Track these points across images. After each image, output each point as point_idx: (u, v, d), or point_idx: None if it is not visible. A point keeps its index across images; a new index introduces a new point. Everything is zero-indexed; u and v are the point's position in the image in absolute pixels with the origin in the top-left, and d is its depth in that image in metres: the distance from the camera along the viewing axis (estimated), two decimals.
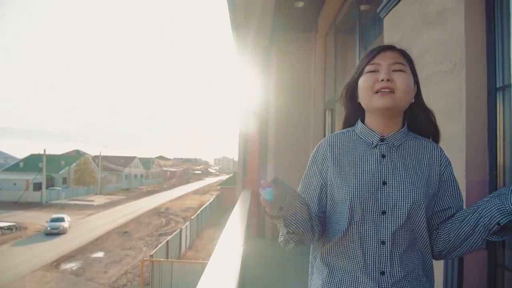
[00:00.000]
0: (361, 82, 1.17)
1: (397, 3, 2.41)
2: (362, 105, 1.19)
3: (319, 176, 1.21)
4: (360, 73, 1.19)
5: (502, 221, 1.01)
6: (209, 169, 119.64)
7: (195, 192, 53.50)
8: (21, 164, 48.01)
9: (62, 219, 26.09)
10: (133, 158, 65.89)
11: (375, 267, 1.09)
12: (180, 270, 12.94)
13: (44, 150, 42.17)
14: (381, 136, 1.17)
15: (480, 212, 1.06)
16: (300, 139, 6.52)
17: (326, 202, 1.21)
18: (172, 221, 30.22)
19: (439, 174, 1.18)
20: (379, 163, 1.15)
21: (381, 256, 1.09)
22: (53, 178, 45.15)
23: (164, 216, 32.52)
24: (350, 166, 1.17)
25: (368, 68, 1.17)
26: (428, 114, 1.24)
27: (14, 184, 41.03)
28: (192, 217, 23.67)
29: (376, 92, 1.12)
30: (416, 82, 1.21)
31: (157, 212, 34.52)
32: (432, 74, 1.95)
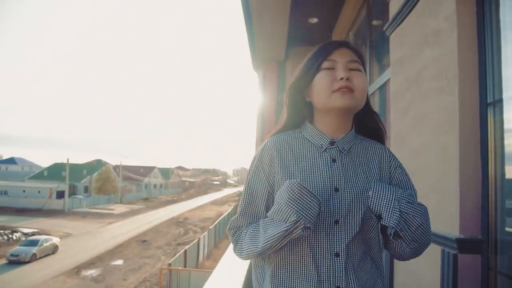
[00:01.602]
0: (317, 79, 1.08)
1: (400, 23, 2.55)
2: (316, 105, 1.11)
3: (265, 182, 1.10)
4: (314, 70, 1.09)
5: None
6: (227, 180, 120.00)
7: (213, 203, 53.75)
8: (45, 173, 49.54)
9: (35, 243, 21.38)
10: (152, 168, 66.89)
11: (330, 283, 1.01)
12: (197, 279, 13.07)
13: (67, 159, 43.38)
14: (331, 139, 1.10)
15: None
16: None
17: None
18: (191, 231, 30.47)
19: (390, 177, 1.12)
20: (330, 168, 1.07)
21: (335, 270, 1.01)
22: (76, 187, 46.30)
23: (182, 226, 32.83)
24: (299, 171, 1.07)
25: (324, 65, 1.08)
26: (374, 117, 1.19)
27: (39, 192, 42.30)
28: (210, 227, 23.84)
29: (334, 91, 1.05)
30: None
31: (175, 221, 34.87)
32: (430, 89, 2.08)
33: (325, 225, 1.02)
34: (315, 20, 5.71)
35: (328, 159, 1.09)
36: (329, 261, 1.02)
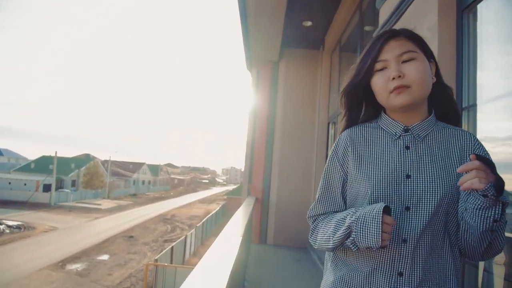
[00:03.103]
0: (373, 83, 1.09)
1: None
2: (383, 104, 1.11)
3: (340, 170, 1.13)
4: (367, 73, 1.10)
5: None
6: (216, 179, 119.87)
7: (202, 201, 53.69)
8: (32, 165, 48.86)
9: None
10: (141, 164, 66.50)
11: (393, 267, 1.00)
12: (183, 275, 13.06)
13: (56, 152, 42.90)
14: (405, 126, 1.09)
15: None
16: (304, 150, 6.81)
17: (347, 196, 1.13)
18: (178, 228, 30.43)
19: None
20: (402, 155, 1.06)
21: (400, 255, 1.00)
22: (63, 180, 45.80)
23: (170, 223, 32.74)
24: (371, 158, 1.09)
25: (376, 66, 1.08)
26: (447, 92, 1.15)
27: (25, 184, 41.74)
28: (198, 225, 23.88)
29: (392, 92, 1.04)
30: (433, 59, 1.12)
31: (163, 218, 34.76)
32: None
33: (396, 211, 1.01)
34: (309, 23, 5.86)
35: (402, 146, 1.08)
36: (395, 246, 1.00)
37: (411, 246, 0.99)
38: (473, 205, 0.94)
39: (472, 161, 0.89)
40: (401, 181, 1.03)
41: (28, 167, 48.66)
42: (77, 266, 19.17)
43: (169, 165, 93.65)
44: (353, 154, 1.11)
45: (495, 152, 1.86)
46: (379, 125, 1.15)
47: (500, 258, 1.77)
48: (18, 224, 26.76)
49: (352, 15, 4.96)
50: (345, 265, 1.08)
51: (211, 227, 27.72)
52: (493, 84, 1.92)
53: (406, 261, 0.99)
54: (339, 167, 1.14)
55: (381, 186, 1.03)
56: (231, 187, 67.18)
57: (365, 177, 1.06)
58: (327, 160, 1.18)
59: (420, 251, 1.00)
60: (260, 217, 6.83)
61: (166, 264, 14.12)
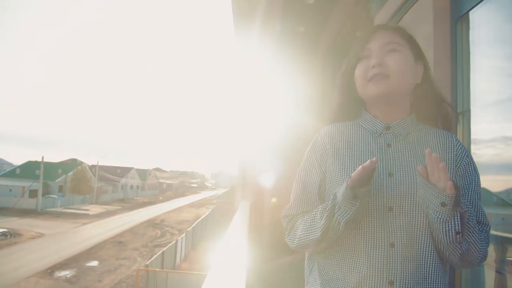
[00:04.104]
0: (356, 70, 1.08)
1: None
2: (361, 95, 1.09)
3: (318, 169, 1.08)
4: (354, 61, 1.09)
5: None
6: (205, 183, 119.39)
7: (191, 205, 53.41)
8: (18, 171, 48.07)
9: None
10: (130, 168, 65.93)
11: (383, 276, 0.92)
12: (175, 280, 13.09)
13: (42, 158, 42.28)
14: (386, 124, 1.06)
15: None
16: (297, 152, 6.89)
17: (324, 199, 1.06)
18: (167, 233, 30.23)
19: (455, 166, 1.02)
20: (384, 153, 1.02)
21: (390, 261, 0.93)
22: (49, 186, 45.15)
23: (159, 227, 32.51)
24: (351, 157, 1.04)
25: (361, 53, 1.07)
26: (437, 98, 1.11)
27: (10, 190, 41.10)
28: (188, 229, 23.78)
29: (370, 81, 1.03)
30: (421, 61, 1.09)
31: (152, 223, 34.50)
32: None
33: (379, 212, 0.96)
34: (302, 29, 5.97)
35: (383, 144, 1.04)
36: (383, 251, 0.93)
37: (400, 251, 0.93)
38: (434, 218, 0.90)
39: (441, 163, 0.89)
40: (383, 179, 0.99)
41: (13, 173, 47.84)
42: (66, 273, 18.90)
43: (157, 169, 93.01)
44: (333, 153, 1.07)
45: (486, 154, 1.97)
46: (359, 123, 1.11)
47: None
48: (3, 231, 26.28)
49: (344, 23, 5.08)
50: (330, 280, 1.01)
51: (201, 232, 27.60)
52: (486, 90, 2.02)
53: (396, 267, 0.92)
54: (316, 166, 1.09)
55: None
56: (220, 191, 67.03)
57: (345, 177, 0.99)
58: (304, 159, 1.14)
59: (411, 256, 0.93)
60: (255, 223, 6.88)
61: (157, 269, 14.07)
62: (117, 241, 26.20)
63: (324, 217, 0.97)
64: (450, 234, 0.90)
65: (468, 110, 2.00)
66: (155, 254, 17.38)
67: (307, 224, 1.04)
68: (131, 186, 64.91)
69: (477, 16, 2.00)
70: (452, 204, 0.88)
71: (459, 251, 0.93)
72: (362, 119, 1.11)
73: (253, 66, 7.55)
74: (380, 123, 1.07)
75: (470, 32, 2.04)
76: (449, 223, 0.89)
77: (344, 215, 0.93)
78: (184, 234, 22.25)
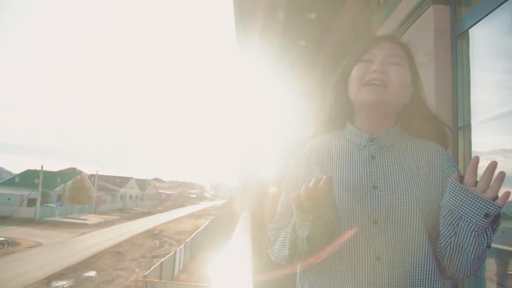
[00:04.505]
0: (353, 70, 1.06)
1: None
2: (351, 99, 1.07)
3: (303, 183, 1.01)
4: (353, 62, 1.07)
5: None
6: (204, 194, 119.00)
7: (190, 216, 53.18)
8: (17, 179, 47.93)
9: None
10: (129, 178, 65.77)
11: None
12: None
13: (41, 166, 42.23)
14: (370, 136, 1.05)
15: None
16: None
17: None
18: (166, 243, 30.05)
19: (442, 176, 1.01)
20: (368, 165, 1.01)
21: (376, 275, 0.91)
22: (48, 195, 44.98)
23: (158, 238, 32.33)
24: (336, 170, 1.02)
25: (363, 57, 1.06)
26: (430, 116, 1.10)
27: (9, 199, 40.90)
28: (187, 240, 23.66)
29: (366, 85, 1.01)
30: (416, 81, 1.08)
31: (151, 234, 34.31)
32: None
33: (364, 225, 0.94)
34: (303, 42, 6.06)
35: (367, 156, 1.03)
36: (369, 265, 0.91)
37: (387, 264, 0.91)
38: (467, 230, 0.87)
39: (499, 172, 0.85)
40: (367, 192, 0.97)
41: (12, 181, 47.68)
42: (63, 283, 18.73)
43: (156, 179, 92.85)
44: (318, 166, 1.06)
45: (485, 167, 2.00)
46: (343, 135, 1.10)
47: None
48: (1, 240, 26.12)
49: (344, 38, 5.16)
50: None
51: (200, 243, 27.45)
52: (487, 103, 2.07)
53: (383, 281, 0.90)
54: (301, 179, 1.08)
55: (346, 198, 0.97)
56: (219, 202, 66.86)
57: None
58: (289, 173, 1.14)
59: (398, 269, 0.91)
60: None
61: (155, 280, 13.97)
62: (116, 251, 26.03)
63: (289, 234, 0.98)
64: (481, 248, 0.87)
65: (469, 125, 2.05)
66: (153, 265, 17.26)
67: (282, 239, 1.05)
68: (130, 196, 64.66)
69: (476, 33, 2.06)
70: (493, 216, 0.85)
71: (476, 265, 0.92)
72: (347, 131, 1.10)
73: (254, 78, 7.63)
74: (364, 135, 1.05)
75: (470, 48, 2.09)
76: (483, 236, 0.87)
77: (303, 232, 0.93)
78: (183, 245, 22.14)
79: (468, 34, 2.09)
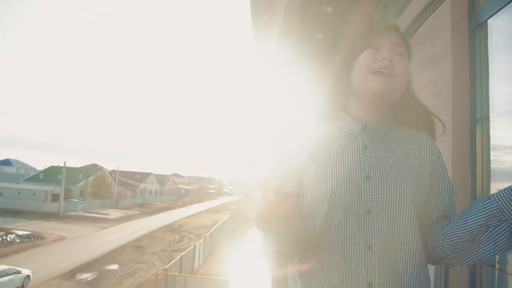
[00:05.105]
0: (361, 57, 1.04)
1: None
2: (354, 85, 1.05)
3: (294, 176, 1.06)
4: (360, 47, 1.05)
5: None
6: (222, 189, 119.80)
7: (209, 211, 53.65)
8: (41, 175, 49.41)
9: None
10: (148, 174, 66.79)
11: (360, 278, 0.92)
12: (193, 285, 13.22)
13: (64, 163, 43.33)
14: (363, 125, 1.04)
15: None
16: None
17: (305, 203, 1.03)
18: (186, 238, 30.47)
19: (431, 166, 1.04)
20: (361, 155, 1.01)
21: (368, 263, 0.92)
22: (71, 190, 46.16)
23: (177, 232, 32.79)
24: (328, 160, 1.01)
25: (371, 43, 1.05)
26: (418, 108, 1.12)
27: (34, 194, 42.18)
28: (206, 235, 23.93)
29: (374, 72, 1.00)
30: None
31: (170, 228, 34.82)
32: (428, 104, 2.38)
33: (357, 215, 0.95)
34: (319, 36, 6.03)
35: (360, 146, 1.03)
36: (360, 254, 0.93)
37: (378, 253, 0.92)
38: (504, 232, 0.88)
39: None
40: (361, 182, 0.97)
41: (37, 177, 49.18)
42: (87, 276, 19.28)
43: (175, 175, 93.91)
44: (309, 157, 1.04)
45: (507, 160, 1.99)
46: (335, 124, 1.09)
47: None
48: (27, 234, 27.01)
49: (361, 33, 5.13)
50: (311, 280, 0.98)
51: (220, 237, 27.73)
52: (505, 97, 2.05)
53: (374, 270, 0.92)
54: (292, 175, 1.07)
55: (341, 188, 0.96)
56: (237, 197, 67.30)
57: (322, 180, 0.99)
58: (277, 166, 1.13)
59: (389, 258, 0.93)
60: None
61: (176, 273, 14.21)
62: (136, 246, 26.55)
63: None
64: (506, 248, 0.90)
65: (487, 117, 2.03)
66: (173, 259, 17.56)
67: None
68: (150, 191, 65.69)
69: (495, 24, 2.04)
70: None
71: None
72: (339, 121, 1.08)
73: (272, 73, 7.64)
74: (357, 124, 1.05)
75: (489, 40, 2.07)
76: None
77: (268, 246, 0.94)
78: (202, 239, 22.41)
79: (486, 25, 2.07)
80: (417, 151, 1.04)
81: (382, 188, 0.96)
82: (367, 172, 0.99)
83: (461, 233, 0.93)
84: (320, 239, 0.96)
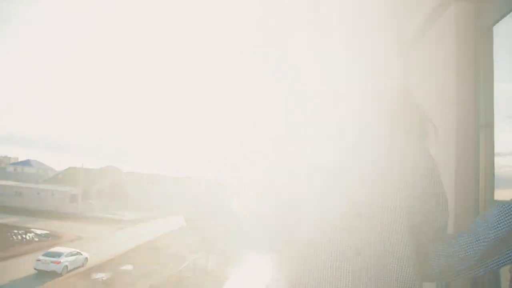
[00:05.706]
0: None
1: None
2: None
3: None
4: None
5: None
6: None
7: None
8: (60, 176, 50.34)
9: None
10: (164, 176, 67.34)
11: (349, 283, 0.88)
12: (206, 286, 13.28)
13: (82, 164, 44.17)
14: None
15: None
16: None
17: None
18: (200, 239, 30.55)
19: (424, 174, 1.01)
20: None
21: (356, 269, 0.89)
22: (88, 191, 46.92)
23: (191, 234, 32.94)
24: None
25: None
26: (413, 110, 1.15)
27: (52, 194, 43.01)
28: None
29: None
30: None
31: (185, 230, 34.99)
32: (432, 111, 2.38)
33: (346, 219, 0.92)
34: None
35: None
36: (349, 259, 0.90)
37: (367, 259, 0.89)
38: (505, 258, 0.89)
39: None
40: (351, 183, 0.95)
41: (56, 178, 50.11)
42: (102, 275, 19.57)
43: (189, 178, 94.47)
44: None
45: (510, 166, 1.99)
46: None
47: None
48: (46, 233, 27.62)
49: None
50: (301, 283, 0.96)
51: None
52: (508, 103, 2.05)
53: (362, 275, 0.88)
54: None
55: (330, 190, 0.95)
56: None
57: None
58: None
59: (378, 265, 0.89)
60: None
61: (189, 275, 14.33)
62: (151, 247, 26.82)
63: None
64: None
65: (492, 122, 2.04)
66: (187, 261, 17.69)
67: None
68: (165, 193, 66.17)
69: (500, 31, 2.05)
70: None
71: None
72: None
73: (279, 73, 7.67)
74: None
75: (494, 46, 2.08)
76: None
77: None
78: None
79: (491, 31, 2.08)
80: (412, 157, 1.00)
81: (373, 190, 0.94)
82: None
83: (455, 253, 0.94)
84: (309, 241, 0.94)
